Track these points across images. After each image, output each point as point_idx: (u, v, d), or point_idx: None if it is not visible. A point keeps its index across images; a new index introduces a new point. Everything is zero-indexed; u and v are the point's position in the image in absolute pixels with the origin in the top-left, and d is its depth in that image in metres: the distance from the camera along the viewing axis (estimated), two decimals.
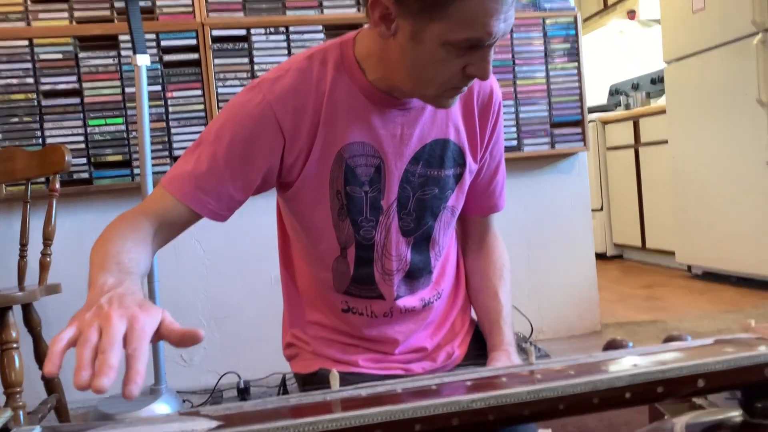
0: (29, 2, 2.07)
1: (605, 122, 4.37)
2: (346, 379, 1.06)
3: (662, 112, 3.69)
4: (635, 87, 4.81)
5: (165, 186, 0.94)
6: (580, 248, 2.55)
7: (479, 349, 1.16)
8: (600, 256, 4.42)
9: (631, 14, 4.65)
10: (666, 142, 3.65)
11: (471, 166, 1.09)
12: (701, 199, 3.38)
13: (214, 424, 0.61)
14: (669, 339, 0.89)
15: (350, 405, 0.65)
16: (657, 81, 4.52)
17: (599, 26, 5.09)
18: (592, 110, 4.84)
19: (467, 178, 1.09)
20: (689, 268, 3.63)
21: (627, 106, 4.65)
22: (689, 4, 3.32)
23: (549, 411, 0.71)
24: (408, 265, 1.08)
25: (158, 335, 0.65)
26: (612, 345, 0.91)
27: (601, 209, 4.42)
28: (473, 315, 1.22)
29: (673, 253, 3.68)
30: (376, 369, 1.10)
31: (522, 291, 2.47)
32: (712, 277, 3.42)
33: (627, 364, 0.73)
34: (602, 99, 5.29)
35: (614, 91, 5.15)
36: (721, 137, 3.20)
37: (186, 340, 0.65)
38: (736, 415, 0.77)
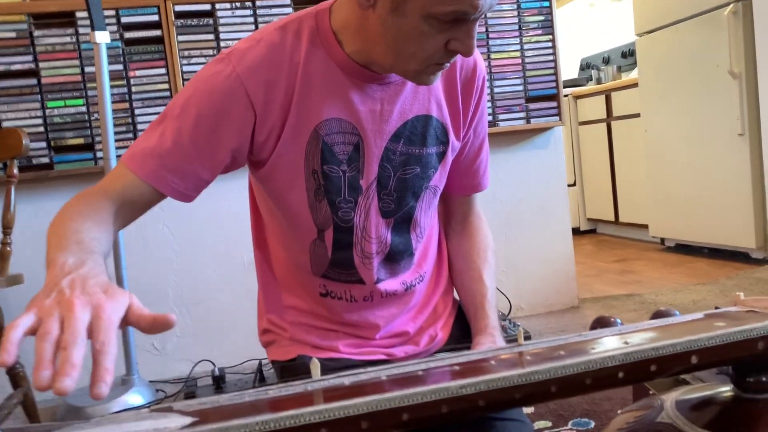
0: None
1: (577, 96, 4.36)
2: (327, 366, 1.02)
3: (634, 85, 3.69)
4: (606, 61, 4.81)
5: (126, 163, 0.88)
6: (556, 223, 2.53)
7: (463, 330, 1.13)
8: (574, 231, 4.44)
9: None
10: (638, 115, 3.65)
11: (454, 143, 1.04)
12: (673, 171, 3.39)
13: (188, 420, 0.57)
14: (657, 315, 0.87)
15: (333, 395, 0.61)
16: (627, 54, 4.52)
17: (569, 1, 5.06)
18: (564, 85, 4.84)
19: (450, 157, 1.05)
20: (662, 240, 3.66)
21: (598, 80, 4.65)
22: None
23: (541, 394, 0.68)
24: (388, 247, 1.03)
25: (126, 321, 0.60)
26: (600, 322, 0.88)
27: (574, 184, 4.43)
28: (456, 296, 1.19)
29: (646, 227, 3.70)
30: (357, 354, 1.06)
31: (499, 268, 2.45)
32: (684, 249, 3.45)
33: (618, 343, 0.71)
34: (573, 73, 5.29)
35: (585, 65, 5.14)
36: (693, 109, 3.21)
37: (157, 326, 0.60)
38: (726, 390, 0.75)
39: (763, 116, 2.85)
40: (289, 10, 2.12)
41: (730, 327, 0.72)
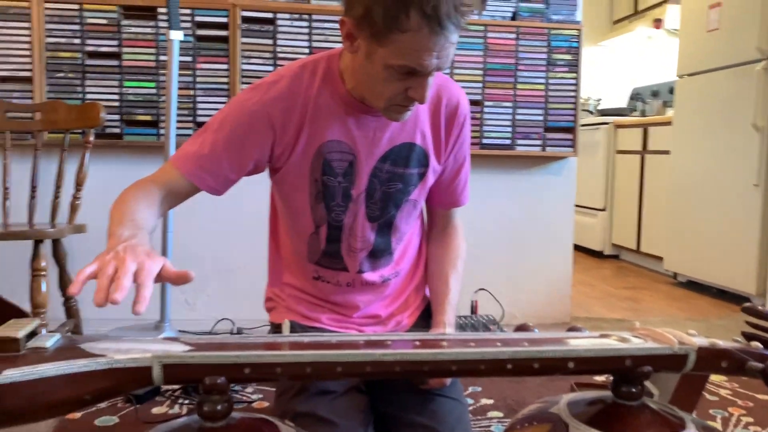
0: None
1: (618, 126, 4.50)
2: (309, 332, 1.30)
3: (669, 123, 3.82)
4: (654, 94, 4.92)
5: (173, 162, 1.16)
6: (559, 245, 2.74)
7: (427, 321, 1.36)
8: (598, 254, 4.60)
9: (657, 23, 4.74)
10: (668, 152, 3.79)
11: (435, 166, 1.28)
12: (693, 211, 3.53)
13: (187, 348, 0.85)
14: (571, 330, 1.10)
15: (292, 347, 0.89)
16: (674, 91, 4.62)
17: (628, 30, 5.17)
18: (608, 113, 4.97)
19: (430, 177, 1.29)
20: (675, 275, 3.80)
21: (643, 112, 4.76)
22: (705, 22, 3.44)
23: (444, 371, 0.94)
24: (371, 246, 1.28)
25: (160, 278, 0.85)
26: (521, 328, 1.13)
27: (604, 209, 4.58)
28: (427, 293, 1.42)
29: (662, 259, 3.85)
30: (335, 327, 1.32)
31: (500, 278, 2.68)
32: (694, 286, 3.59)
33: (518, 344, 0.95)
34: (621, 102, 5.39)
35: (635, 95, 5.25)
36: (717, 155, 3.35)
37: (180, 278, 0.85)
38: (608, 396, 0.98)
39: None
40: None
41: (605, 344, 0.96)
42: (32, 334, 0.84)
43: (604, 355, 0.95)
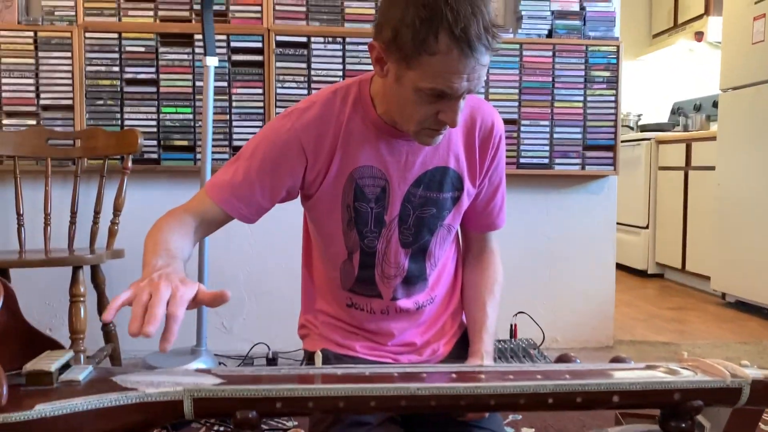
0: (121, 0, 2.35)
1: (660, 141, 4.40)
2: (343, 361, 1.28)
3: (713, 138, 3.72)
4: (697, 108, 4.80)
5: (207, 191, 1.16)
6: (601, 266, 2.66)
7: (464, 349, 1.30)
8: (641, 273, 4.48)
9: (699, 36, 4.64)
10: (713, 168, 3.68)
11: (469, 190, 1.25)
12: (742, 228, 3.41)
13: (218, 380, 0.84)
14: (615, 360, 1.05)
15: (326, 380, 0.87)
16: (718, 105, 4.50)
17: (668, 44, 5.07)
18: (649, 128, 4.87)
19: (465, 201, 1.26)
20: (723, 295, 3.67)
21: (685, 127, 4.65)
22: (749, 35, 3.34)
23: (482, 406, 0.90)
24: (405, 272, 1.25)
25: (195, 302, 0.86)
26: (561, 359, 1.09)
27: (647, 227, 4.46)
28: (464, 319, 1.38)
29: (709, 278, 3.72)
30: (369, 355, 1.29)
31: (540, 300, 2.62)
32: (743, 306, 3.46)
33: (558, 377, 0.91)
34: (663, 117, 5.28)
35: (676, 110, 5.13)
36: (765, 170, 3.23)
37: (217, 300, 0.86)
38: (656, 430, 0.94)
39: None
40: None
41: (654, 377, 0.92)
42: (66, 366, 0.84)
43: (651, 389, 0.91)
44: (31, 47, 2.31)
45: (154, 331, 0.77)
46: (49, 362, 0.82)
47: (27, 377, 0.80)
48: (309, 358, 1.35)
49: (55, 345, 0.91)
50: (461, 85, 1.00)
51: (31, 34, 2.31)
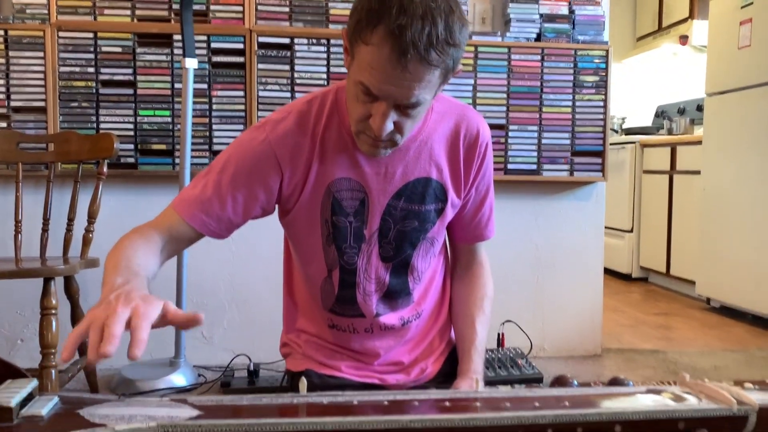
0: None
1: (644, 145, 4.38)
2: (328, 382, 1.22)
3: (699, 142, 3.71)
4: (681, 111, 4.80)
5: (175, 207, 1.08)
6: (589, 273, 2.63)
7: (452, 366, 1.26)
8: (625, 277, 4.47)
9: (684, 39, 4.63)
10: (698, 172, 3.67)
11: (454, 201, 1.19)
12: (727, 233, 3.40)
13: (195, 413, 0.77)
14: (613, 382, 1.01)
15: (311, 411, 0.80)
16: (702, 108, 4.51)
17: (653, 47, 5.07)
18: (633, 131, 4.86)
19: (449, 212, 1.19)
20: (708, 300, 3.66)
21: (670, 131, 4.65)
22: (736, 39, 3.33)
23: None
24: (386, 287, 1.19)
25: (164, 321, 0.77)
26: (558, 381, 1.03)
27: (631, 231, 4.45)
28: (453, 335, 1.32)
29: (694, 283, 3.71)
30: (356, 375, 1.23)
31: (527, 308, 2.58)
32: (728, 312, 3.44)
33: (558, 404, 0.85)
34: (647, 120, 5.28)
35: (660, 113, 5.13)
36: (751, 175, 3.22)
37: (189, 323, 0.77)
38: None
39: None
40: None
41: (658, 405, 0.87)
42: (29, 397, 0.78)
43: (655, 418, 0.86)
44: (2, 46, 2.22)
45: (112, 351, 0.69)
46: (9, 395, 0.75)
47: None
48: (292, 378, 1.28)
49: (17, 373, 0.85)
50: (386, 87, 0.93)
51: (2, 32, 2.22)
